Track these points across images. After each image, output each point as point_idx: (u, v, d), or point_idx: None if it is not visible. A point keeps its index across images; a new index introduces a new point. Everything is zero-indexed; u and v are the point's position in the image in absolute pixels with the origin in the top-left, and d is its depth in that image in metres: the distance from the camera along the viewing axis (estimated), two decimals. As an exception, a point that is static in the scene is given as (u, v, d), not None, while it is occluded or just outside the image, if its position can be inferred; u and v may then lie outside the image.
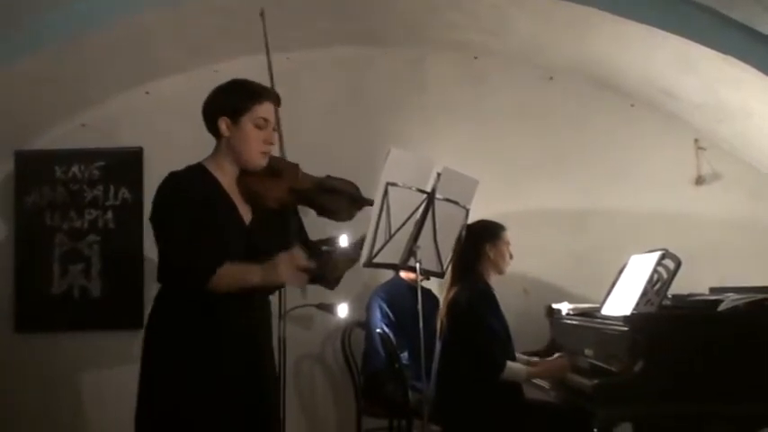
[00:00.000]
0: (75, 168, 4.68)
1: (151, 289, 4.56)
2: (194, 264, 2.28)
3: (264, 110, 2.46)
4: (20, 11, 3.67)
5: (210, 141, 4.24)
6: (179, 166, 4.37)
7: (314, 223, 2.63)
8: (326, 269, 2.44)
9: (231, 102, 2.45)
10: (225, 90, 2.49)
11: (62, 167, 4.67)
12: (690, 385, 2.98)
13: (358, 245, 2.47)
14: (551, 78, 4.80)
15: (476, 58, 4.80)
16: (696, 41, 3.78)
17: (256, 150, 2.44)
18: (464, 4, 4.09)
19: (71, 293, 4.62)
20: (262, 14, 2.63)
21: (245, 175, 2.48)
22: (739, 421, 3.00)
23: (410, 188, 2.43)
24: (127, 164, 4.67)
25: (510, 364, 3.45)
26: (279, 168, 2.49)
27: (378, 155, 2.55)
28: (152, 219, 2.42)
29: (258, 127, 2.44)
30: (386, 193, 2.34)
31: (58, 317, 4.58)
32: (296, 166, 2.51)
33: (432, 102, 4.78)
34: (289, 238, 2.34)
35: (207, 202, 2.38)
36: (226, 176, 2.47)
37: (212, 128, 2.50)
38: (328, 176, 2.48)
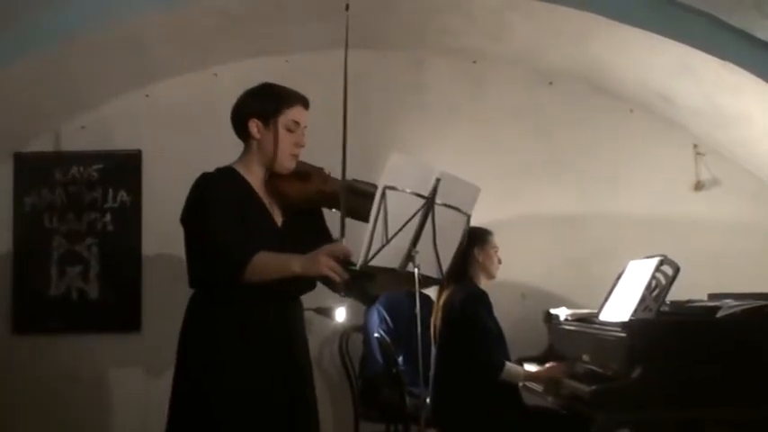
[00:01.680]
0: (74, 170, 4.67)
1: (150, 291, 4.62)
2: (229, 253, 2.30)
3: (295, 113, 2.50)
4: (17, 12, 3.66)
5: (209, 144, 4.31)
6: (178, 168, 4.40)
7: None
8: (370, 283, 2.45)
9: (263, 104, 2.49)
10: (256, 93, 2.53)
11: (61, 170, 4.66)
12: (688, 391, 2.98)
13: (406, 271, 2.47)
14: (550, 83, 4.80)
15: (474, 62, 4.80)
16: (694, 47, 3.78)
17: (287, 153, 2.49)
18: (463, 8, 4.08)
19: (69, 295, 4.60)
20: (347, 8, 2.63)
21: (274, 177, 2.52)
22: (737, 427, 3.00)
23: (409, 192, 2.40)
24: (126, 166, 4.67)
25: (509, 364, 3.48)
26: (306, 171, 2.53)
27: (376, 158, 2.54)
28: (183, 218, 2.45)
29: (289, 130, 2.49)
30: (383, 196, 2.32)
31: (55, 319, 4.57)
32: (321, 169, 2.55)
33: (430, 106, 4.78)
34: (321, 239, 2.35)
35: (239, 203, 2.42)
36: (255, 178, 2.51)
37: (242, 130, 2.52)
38: (354, 179, 2.51)
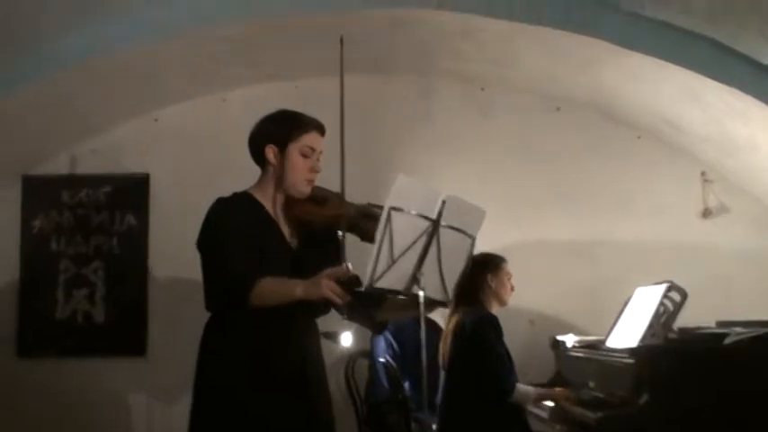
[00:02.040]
0: (82, 193, 4.71)
1: (155, 315, 4.64)
2: (234, 278, 2.36)
3: (311, 139, 2.57)
4: (27, 37, 3.75)
5: (216, 169, 4.37)
6: (185, 192, 4.47)
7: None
8: (376, 308, 2.51)
9: (279, 131, 2.56)
10: (273, 119, 2.60)
11: (69, 192, 4.70)
12: (695, 419, 2.95)
13: (411, 293, 2.50)
14: (558, 109, 4.83)
15: (482, 89, 4.84)
16: (701, 73, 3.81)
17: (302, 178, 2.55)
18: (472, 34, 4.14)
19: (75, 318, 4.62)
20: (341, 42, 2.71)
21: (290, 202, 2.57)
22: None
23: (414, 214, 2.43)
24: (133, 190, 4.71)
25: (519, 385, 3.52)
26: (323, 196, 2.59)
27: (382, 183, 2.57)
28: (199, 243, 2.50)
29: (305, 155, 2.55)
30: (389, 218, 2.35)
31: (61, 342, 4.58)
32: (338, 194, 2.58)
33: (437, 131, 4.81)
34: (335, 264, 2.38)
35: (254, 227, 2.47)
36: (271, 203, 2.56)
37: (259, 156, 2.58)
38: (369, 204, 2.55)
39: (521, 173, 4.76)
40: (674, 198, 4.73)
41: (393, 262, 2.39)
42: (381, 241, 2.36)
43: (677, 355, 3.13)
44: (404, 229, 2.41)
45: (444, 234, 2.54)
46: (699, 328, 3.55)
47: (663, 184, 4.75)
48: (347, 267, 2.35)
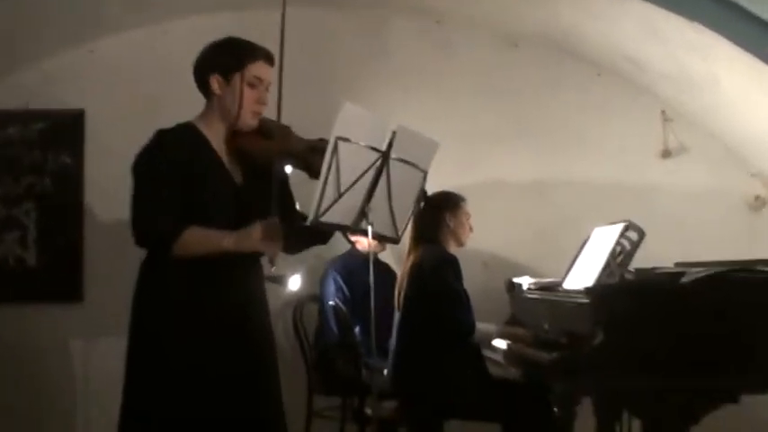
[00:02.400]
0: (11, 130, 4.51)
1: (92, 259, 4.50)
2: (156, 225, 2.31)
3: (259, 69, 2.49)
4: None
5: (156, 104, 4.21)
6: (122, 129, 4.31)
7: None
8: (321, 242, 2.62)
9: (225, 59, 2.48)
10: (219, 47, 2.52)
11: (-4, 130, 4.50)
12: (651, 359, 2.94)
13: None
14: (516, 45, 4.76)
15: (438, 22, 4.74)
16: (662, 7, 3.76)
17: (248, 110, 2.48)
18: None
19: (6, 263, 4.46)
20: None
21: (235, 135, 2.51)
22: (700, 395, 2.98)
23: (363, 145, 2.36)
24: (67, 126, 4.53)
25: (479, 324, 3.52)
26: (269, 129, 2.53)
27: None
28: (133, 167, 2.42)
29: (252, 86, 2.48)
30: (336, 149, 2.28)
31: (-9, 288, 4.42)
32: (287, 127, 2.54)
33: (391, 66, 4.72)
34: (270, 206, 2.34)
35: (194, 161, 2.40)
36: (215, 136, 2.50)
37: (203, 86, 2.51)
38: (321, 139, 2.48)
39: (477, 110, 4.69)
40: (633, 137, 4.72)
41: (339, 195, 2.35)
42: (328, 173, 2.30)
43: (633, 294, 3.10)
44: (351, 161, 2.35)
45: (394, 167, 2.49)
46: (656, 268, 3.55)
47: (623, 122, 4.73)
48: (276, 219, 2.31)
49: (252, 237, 2.30)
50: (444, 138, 2.80)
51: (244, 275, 2.49)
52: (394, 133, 2.45)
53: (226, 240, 2.32)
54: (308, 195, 2.43)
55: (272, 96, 2.49)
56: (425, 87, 4.71)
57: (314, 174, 2.44)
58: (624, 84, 4.71)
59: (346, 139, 2.31)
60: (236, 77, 2.46)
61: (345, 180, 2.34)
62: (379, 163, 2.43)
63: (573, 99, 4.74)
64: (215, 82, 2.46)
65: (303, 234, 2.51)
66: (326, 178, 2.29)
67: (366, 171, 2.40)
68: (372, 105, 4.40)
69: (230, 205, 2.42)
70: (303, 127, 2.60)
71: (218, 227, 2.36)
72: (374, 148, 2.42)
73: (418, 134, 2.58)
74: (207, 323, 2.38)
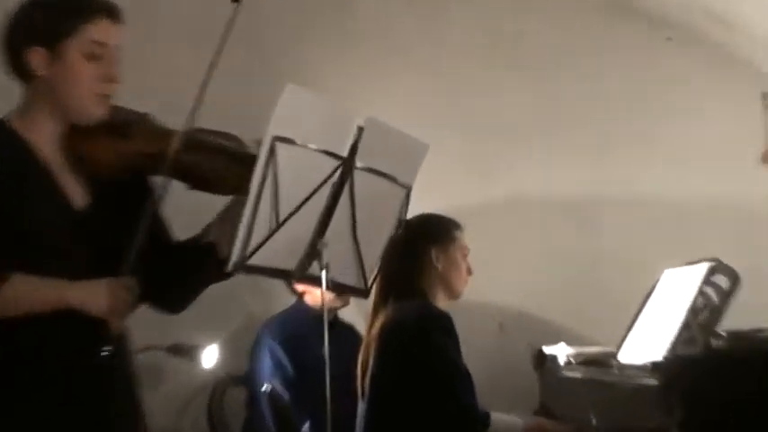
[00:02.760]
0: None
1: None
2: None
3: (99, 30, 2.46)
4: None
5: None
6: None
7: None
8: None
9: (46, 23, 2.45)
10: (34, 6, 2.49)
11: None
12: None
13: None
14: (540, -2, 4.86)
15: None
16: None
17: (89, 92, 2.46)
18: None
19: None
20: None
21: (75, 134, 2.49)
22: None
23: (313, 149, 2.38)
24: None
25: (495, 414, 3.55)
26: (124, 121, 2.52)
27: (269, 108, 2.52)
28: None
29: (92, 57, 2.45)
30: (272, 153, 2.28)
31: None
32: (147, 115, 2.57)
33: (361, 31, 4.81)
34: (128, 245, 2.35)
35: (8, 177, 2.38)
36: (42, 137, 2.48)
37: (18, 65, 2.47)
38: (197, 129, 2.50)
39: (485, 94, 4.77)
40: (721, 132, 4.79)
41: (278, 226, 2.37)
42: (260, 192, 2.31)
43: (725, 371, 3.13)
44: (296, 173, 2.37)
45: (361, 181, 2.51)
46: (759, 330, 3.58)
47: (704, 110, 4.81)
48: (132, 280, 2.36)
49: (100, 295, 2.34)
50: (437, 134, 2.83)
51: (91, 355, 2.43)
52: (360, 129, 2.46)
53: (69, 292, 2.34)
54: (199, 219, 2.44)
55: (188, 82, 2.48)
56: (408, 60, 4.77)
57: (190, 182, 2.47)
58: (708, 54, 4.80)
59: (288, 140, 2.32)
60: (67, 47, 2.43)
61: (287, 202, 2.36)
62: (338, 175, 2.45)
63: (629, 76, 4.81)
64: (36, 57, 2.43)
65: (184, 273, 2.55)
66: (257, 200, 2.29)
67: (318, 188, 2.41)
68: (328, 85, 4.48)
69: (66, 245, 2.42)
70: (226, 112, 2.69)
71: (45, 273, 2.34)
72: (331, 153, 2.43)
73: (397, 131, 2.59)
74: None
